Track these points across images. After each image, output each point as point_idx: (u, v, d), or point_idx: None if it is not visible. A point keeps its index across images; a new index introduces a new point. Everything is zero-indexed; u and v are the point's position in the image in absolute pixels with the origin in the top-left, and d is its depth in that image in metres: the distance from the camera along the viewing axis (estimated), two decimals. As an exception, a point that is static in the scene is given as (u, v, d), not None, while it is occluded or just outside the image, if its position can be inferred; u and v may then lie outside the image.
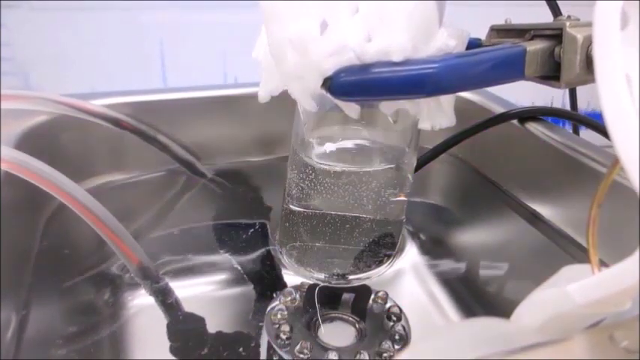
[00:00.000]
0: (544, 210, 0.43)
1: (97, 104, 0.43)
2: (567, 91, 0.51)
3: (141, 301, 0.41)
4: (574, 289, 0.22)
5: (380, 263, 0.37)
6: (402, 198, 0.36)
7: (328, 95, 0.28)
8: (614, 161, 0.22)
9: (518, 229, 0.45)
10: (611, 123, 0.20)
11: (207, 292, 0.44)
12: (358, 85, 0.27)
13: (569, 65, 0.31)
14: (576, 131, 0.51)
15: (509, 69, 0.30)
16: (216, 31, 0.83)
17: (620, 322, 0.22)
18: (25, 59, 0.78)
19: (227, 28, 0.82)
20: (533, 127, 0.43)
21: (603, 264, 0.23)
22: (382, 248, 0.36)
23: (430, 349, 0.19)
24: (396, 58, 0.26)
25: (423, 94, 0.28)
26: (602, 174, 0.36)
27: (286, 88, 0.30)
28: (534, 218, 0.44)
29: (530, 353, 0.20)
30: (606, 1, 0.21)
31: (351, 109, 0.29)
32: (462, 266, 0.48)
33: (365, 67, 0.27)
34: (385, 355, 0.35)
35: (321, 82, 0.27)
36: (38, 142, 0.40)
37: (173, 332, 0.37)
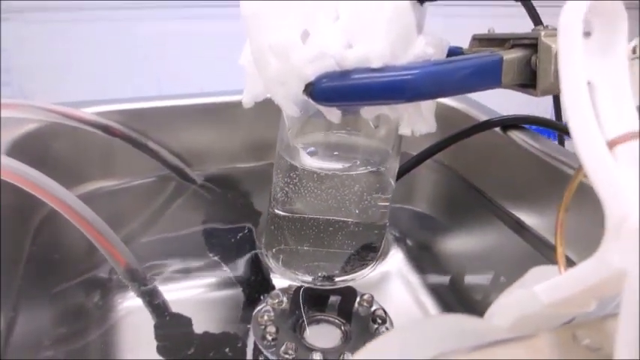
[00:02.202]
0: (528, 218, 0.44)
1: (88, 112, 0.43)
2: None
3: (130, 304, 0.42)
4: (541, 289, 0.23)
5: (364, 266, 0.37)
6: (385, 202, 0.36)
7: (310, 101, 0.29)
8: (579, 167, 0.23)
9: (502, 236, 0.46)
10: (573, 129, 0.21)
11: (196, 294, 0.45)
12: (339, 91, 0.28)
13: (545, 74, 0.32)
14: (562, 141, 0.52)
15: (487, 77, 0.31)
16: (209, 40, 0.84)
17: (583, 321, 0.23)
18: (19, 70, 0.79)
19: (221, 38, 0.83)
20: (515, 135, 0.44)
21: (571, 265, 0.23)
22: (366, 251, 0.37)
23: (398, 341, 0.20)
24: (375, 64, 0.27)
25: (402, 99, 0.29)
26: (583, 184, 0.37)
27: (269, 95, 0.30)
28: (518, 226, 0.44)
29: (496, 349, 0.21)
30: (570, 11, 0.21)
31: (333, 114, 0.30)
32: (447, 272, 0.49)
33: (345, 73, 0.28)
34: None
35: (302, 88, 0.28)
36: (29, 149, 0.41)
37: (160, 332, 0.38)
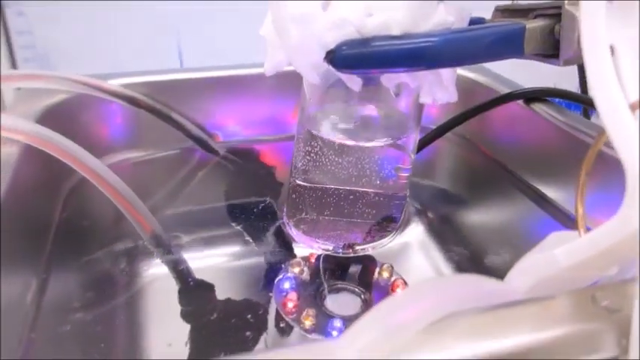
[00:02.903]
0: (551, 192, 0.44)
1: (114, 83, 0.44)
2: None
3: (156, 270, 0.43)
4: (560, 252, 0.23)
5: (384, 235, 0.38)
6: (405, 173, 0.37)
7: (331, 68, 0.29)
8: (601, 131, 0.23)
9: (524, 210, 0.46)
10: (595, 91, 0.21)
11: (220, 263, 0.46)
12: (360, 58, 0.28)
13: (568, 43, 0.32)
14: (587, 114, 0.51)
15: (508, 46, 0.31)
16: (234, 18, 0.84)
17: (604, 284, 0.23)
18: (45, 46, 0.80)
19: (245, 16, 0.83)
20: (538, 107, 0.44)
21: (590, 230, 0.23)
22: (386, 221, 0.37)
23: (415, 297, 0.21)
24: (395, 32, 0.28)
25: (422, 66, 0.29)
26: (607, 155, 0.36)
27: (290, 64, 0.31)
28: (541, 200, 0.44)
29: (512, 309, 0.21)
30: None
31: (354, 82, 0.30)
32: (468, 244, 0.49)
33: (366, 40, 0.28)
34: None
35: (323, 55, 0.29)
36: (58, 119, 0.42)
37: (184, 298, 0.39)
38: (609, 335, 0.21)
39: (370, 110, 0.35)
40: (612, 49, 0.22)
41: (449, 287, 0.22)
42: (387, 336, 0.19)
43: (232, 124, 0.50)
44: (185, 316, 0.38)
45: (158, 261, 0.42)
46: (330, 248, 0.38)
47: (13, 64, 0.81)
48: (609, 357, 0.21)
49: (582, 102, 0.47)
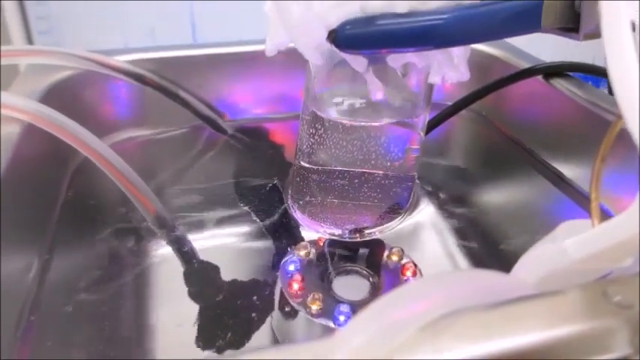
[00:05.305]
0: (569, 171, 0.42)
1: (121, 60, 0.43)
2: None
3: (164, 251, 0.42)
4: (570, 243, 0.22)
5: (391, 218, 0.37)
6: (414, 154, 0.35)
7: (334, 48, 0.28)
8: (618, 115, 0.22)
9: (541, 190, 0.44)
10: (612, 71, 0.19)
11: (227, 244, 0.45)
12: (364, 38, 0.27)
13: (589, 15, 0.30)
14: (611, 90, 0.49)
15: (525, 21, 0.29)
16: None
17: (615, 278, 0.22)
18: (59, 18, 0.79)
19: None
20: (558, 83, 0.42)
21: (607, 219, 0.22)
22: (393, 204, 0.36)
23: (422, 292, 0.20)
24: (401, 9, 0.26)
25: (431, 46, 0.27)
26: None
27: (292, 43, 0.30)
28: (559, 180, 0.43)
29: (518, 306, 0.20)
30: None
31: (358, 62, 0.29)
32: (481, 227, 0.47)
33: (371, 19, 0.27)
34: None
35: (326, 35, 0.27)
36: (62, 96, 0.41)
37: (189, 279, 0.38)
38: (621, 333, 0.20)
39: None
40: (634, 25, 0.20)
41: (450, 283, 0.21)
42: (383, 335, 0.18)
43: (241, 102, 0.49)
44: (192, 296, 0.38)
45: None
46: (337, 233, 0.37)
47: (29, 39, 0.80)
48: (621, 357, 0.20)
49: (606, 76, 0.45)
